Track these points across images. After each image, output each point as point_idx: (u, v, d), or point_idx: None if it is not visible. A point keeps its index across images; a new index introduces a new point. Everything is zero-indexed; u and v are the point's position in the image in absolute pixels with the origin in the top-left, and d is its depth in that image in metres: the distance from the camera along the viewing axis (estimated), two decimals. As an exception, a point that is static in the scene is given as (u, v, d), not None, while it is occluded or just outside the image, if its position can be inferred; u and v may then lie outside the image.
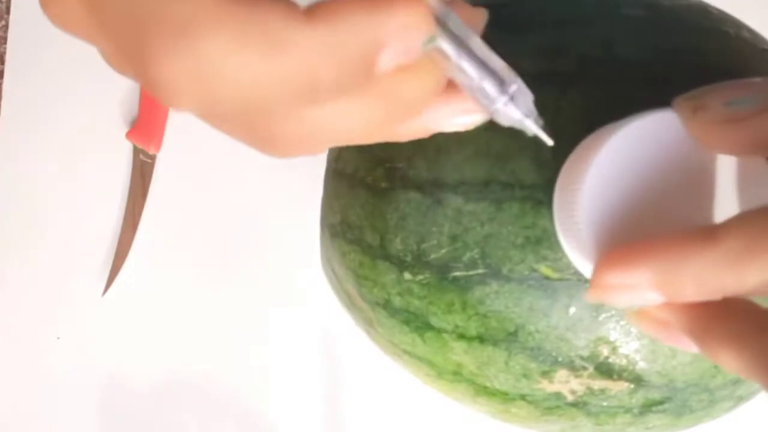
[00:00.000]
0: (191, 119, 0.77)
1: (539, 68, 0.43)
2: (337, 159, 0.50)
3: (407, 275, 0.45)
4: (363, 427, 0.72)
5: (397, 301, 0.46)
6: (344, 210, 0.49)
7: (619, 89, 0.42)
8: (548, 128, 0.34)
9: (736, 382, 0.45)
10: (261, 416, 0.73)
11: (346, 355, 0.72)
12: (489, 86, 0.31)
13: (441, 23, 0.30)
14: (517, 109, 0.32)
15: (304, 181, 0.72)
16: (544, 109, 0.41)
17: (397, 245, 0.45)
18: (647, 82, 0.43)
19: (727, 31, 0.47)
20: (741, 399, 0.48)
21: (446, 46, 0.31)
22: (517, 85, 0.32)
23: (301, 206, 0.73)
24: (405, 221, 0.44)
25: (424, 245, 0.44)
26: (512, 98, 0.32)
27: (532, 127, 0.33)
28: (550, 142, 0.34)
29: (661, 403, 0.45)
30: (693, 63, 0.44)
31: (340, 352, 0.72)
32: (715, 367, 0.44)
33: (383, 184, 0.46)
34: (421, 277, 0.45)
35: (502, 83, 0.31)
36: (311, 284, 0.73)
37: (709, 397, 0.46)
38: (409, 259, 0.45)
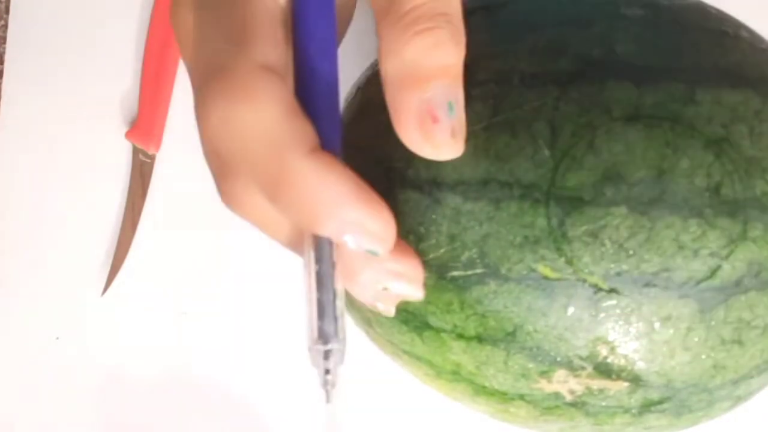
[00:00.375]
0: (191, 119, 0.77)
1: (538, 68, 0.43)
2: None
3: (406, 275, 0.45)
4: (362, 427, 0.72)
5: (395, 300, 0.46)
6: (343, 210, 0.49)
7: (619, 89, 0.42)
8: (331, 394, 0.36)
9: (736, 382, 0.46)
10: (261, 416, 0.73)
11: (345, 355, 0.72)
12: (320, 333, 0.33)
13: (328, 270, 0.33)
14: (322, 362, 0.34)
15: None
16: (544, 109, 0.41)
17: (395, 245, 0.45)
18: (647, 82, 0.43)
19: (726, 31, 0.47)
20: (740, 399, 0.48)
21: (313, 278, 0.33)
22: (339, 349, 0.33)
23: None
24: (403, 221, 0.44)
25: (422, 245, 0.44)
26: (328, 354, 0.33)
27: (322, 384, 0.34)
28: (327, 401, 0.37)
29: (659, 403, 0.45)
30: (693, 63, 0.44)
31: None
32: (714, 367, 0.44)
33: (382, 184, 0.46)
34: (419, 276, 0.45)
35: (330, 338, 0.33)
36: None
37: (708, 397, 0.46)
38: (407, 258, 0.45)
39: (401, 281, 0.35)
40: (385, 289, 0.36)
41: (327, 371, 0.33)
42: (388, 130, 0.41)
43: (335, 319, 0.33)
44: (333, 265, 0.33)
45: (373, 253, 0.33)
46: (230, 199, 0.35)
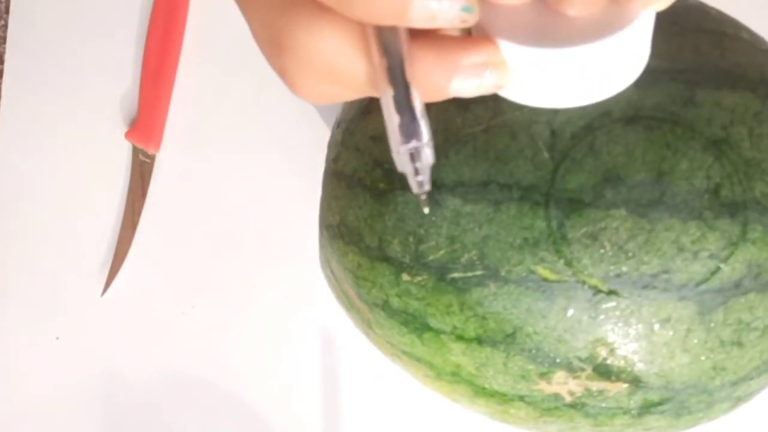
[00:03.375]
0: (191, 119, 0.77)
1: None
2: (336, 160, 0.50)
3: (405, 276, 0.45)
4: (362, 428, 0.72)
5: (395, 302, 0.46)
6: (343, 211, 0.49)
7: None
8: (429, 198, 0.36)
9: (735, 384, 0.46)
10: (261, 416, 0.73)
11: (345, 356, 0.72)
12: (403, 130, 0.32)
13: (397, 61, 0.32)
14: (411, 163, 0.33)
15: (304, 181, 0.72)
16: (544, 111, 0.41)
17: (395, 246, 0.45)
18: (647, 83, 0.43)
19: (726, 32, 0.47)
20: (739, 400, 0.48)
21: (384, 65, 0.32)
22: (425, 145, 0.33)
23: (300, 206, 0.73)
24: (403, 222, 0.44)
25: (422, 246, 0.44)
26: (416, 153, 0.33)
27: (415, 187, 0.34)
28: (426, 210, 0.35)
29: (659, 404, 0.45)
30: (692, 64, 0.44)
31: (338, 352, 0.72)
32: (714, 368, 0.44)
33: (382, 185, 0.46)
34: (419, 278, 0.45)
35: (414, 135, 0.32)
36: (310, 284, 0.73)
37: (708, 398, 0.46)
38: (407, 260, 0.45)
39: (488, 69, 0.34)
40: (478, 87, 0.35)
41: (417, 172, 0.33)
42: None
43: (414, 118, 0.32)
44: (402, 59, 0.32)
45: (467, 11, 0.32)
46: (297, 49, 0.33)
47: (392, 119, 0.32)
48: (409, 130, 0.32)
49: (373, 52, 0.33)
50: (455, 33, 0.34)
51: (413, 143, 0.32)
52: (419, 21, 0.31)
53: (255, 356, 0.73)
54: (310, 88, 0.36)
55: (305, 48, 0.33)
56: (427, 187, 0.33)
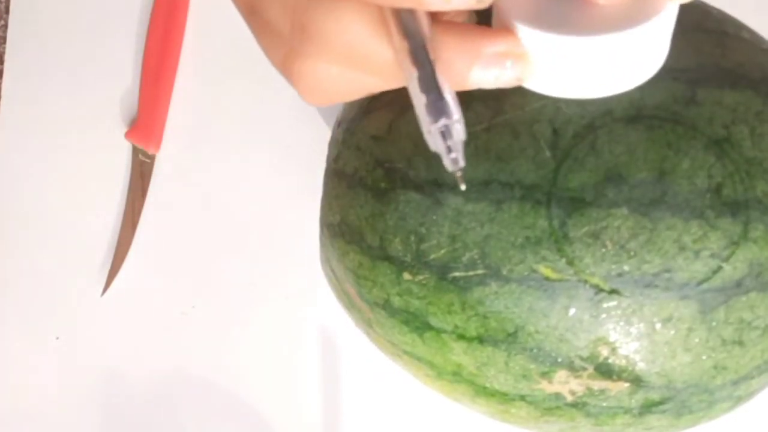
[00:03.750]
0: (191, 119, 0.77)
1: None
2: (336, 159, 0.50)
3: (406, 275, 0.45)
4: (362, 428, 0.72)
5: (396, 301, 0.46)
6: (344, 210, 0.49)
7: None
8: (464, 176, 0.36)
9: (736, 383, 0.46)
10: (260, 416, 0.73)
11: (345, 355, 0.72)
12: (431, 109, 0.32)
13: (419, 42, 0.32)
14: (443, 141, 0.33)
15: (305, 181, 0.72)
16: (546, 110, 0.41)
17: (396, 245, 0.45)
18: (649, 82, 0.42)
19: (726, 32, 0.47)
20: (740, 399, 0.48)
21: (406, 46, 0.32)
22: (455, 122, 0.32)
23: (301, 206, 0.73)
24: (404, 221, 0.44)
25: (423, 245, 0.44)
26: (447, 131, 0.33)
27: (449, 165, 0.33)
28: (463, 186, 0.37)
29: (660, 403, 0.45)
30: (694, 64, 0.44)
31: (339, 351, 0.72)
32: (715, 368, 0.44)
33: (383, 185, 0.46)
34: (420, 277, 0.45)
35: (443, 112, 0.32)
36: (310, 284, 0.73)
37: (709, 397, 0.46)
38: (408, 259, 0.45)
39: (509, 60, 0.34)
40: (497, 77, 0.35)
41: (449, 150, 0.33)
42: (390, 129, 0.41)
43: (441, 96, 0.32)
44: (424, 40, 0.32)
45: None
46: (324, 39, 0.34)
47: (420, 100, 0.32)
48: (438, 109, 0.32)
49: (394, 36, 0.33)
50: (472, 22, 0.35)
51: (443, 121, 0.32)
52: (435, 3, 0.31)
53: (255, 356, 0.73)
54: (322, 81, 0.36)
55: (330, 33, 0.34)
56: (462, 163, 0.33)
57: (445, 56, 0.33)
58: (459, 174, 0.34)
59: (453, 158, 0.33)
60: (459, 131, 0.33)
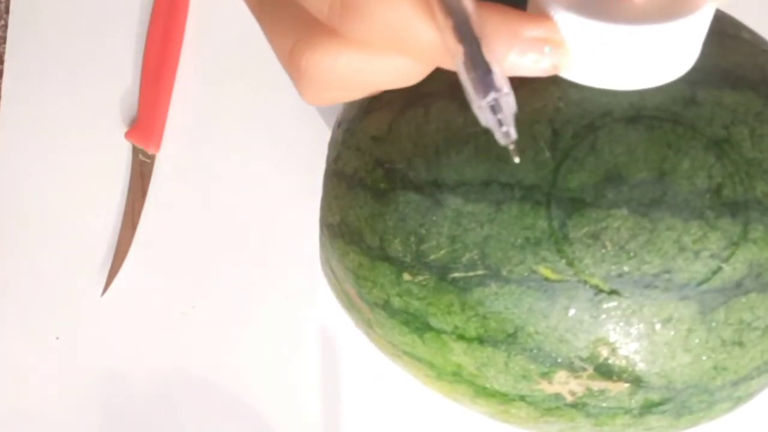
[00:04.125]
0: (191, 119, 0.77)
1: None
2: (336, 159, 0.50)
3: (406, 276, 0.45)
4: (362, 428, 0.72)
5: (396, 302, 0.46)
6: (343, 211, 0.49)
7: (620, 90, 0.42)
8: (517, 148, 0.36)
9: (736, 383, 0.46)
10: (260, 417, 0.73)
11: (345, 356, 0.72)
12: (479, 85, 0.32)
13: (463, 19, 0.32)
14: (493, 116, 0.33)
15: (304, 181, 0.72)
16: (545, 110, 0.41)
17: (396, 246, 0.45)
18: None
19: (726, 32, 0.47)
20: (740, 400, 0.48)
21: (450, 23, 0.32)
22: (505, 96, 0.33)
23: (300, 206, 0.73)
24: (404, 222, 0.44)
25: (423, 246, 0.44)
26: (497, 105, 0.33)
27: (501, 138, 0.34)
28: (516, 159, 0.37)
29: (660, 404, 0.45)
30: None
31: (339, 352, 0.72)
32: (715, 368, 0.44)
33: (382, 185, 0.46)
34: (420, 278, 0.45)
35: (491, 87, 0.32)
36: (310, 284, 0.73)
37: (709, 398, 0.46)
38: (408, 260, 0.45)
39: (547, 46, 0.35)
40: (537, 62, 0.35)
41: (500, 123, 0.33)
42: (390, 130, 0.41)
43: (489, 70, 0.32)
44: (467, 17, 0.32)
45: None
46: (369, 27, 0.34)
47: (467, 77, 0.32)
48: (486, 83, 0.32)
49: (437, 14, 0.33)
50: None
51: (492, 95, 0.32)
52: None
53: (255, 356, 0.73)
54: (326, 74, 0.36)
55: (374, 12, 0.33)
56: (514, 136, 0.33)
57: (485, 37, 0.33)
58: (512, 147, 0.34)
59: (504, 132, 0.33)
60: (509, 104, 0.33)
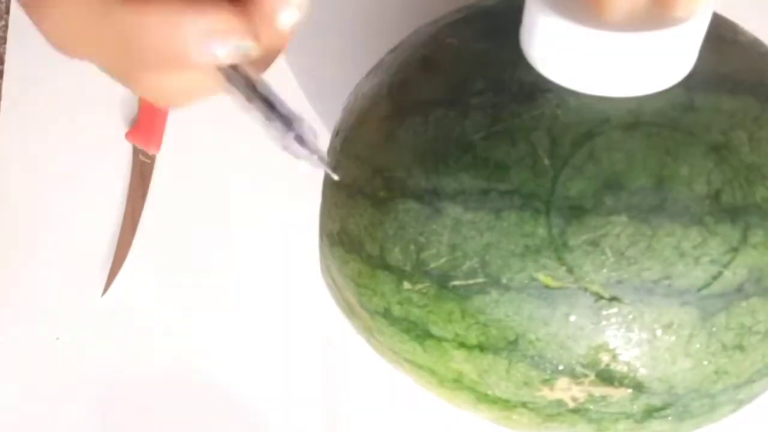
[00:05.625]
0: (191, 119, 0.76)
1: (537, 77, 0.43)
2: (335, 168, 0.50)
3: (407, 284, 0.45)
4: (362, 428, 0.72)
5: (396, 310, 0.46)
6: (343, 219, 0.49)
7: (618, 97, 0.42)
8: (332, 165, 0.37)
9: (737, 387, 0.46)
10: (260, 418, 0.73)
11: (346, 361, 0.72)
12: (277, 126, 0.34)
13: (233, 69, 0.34)
14: (303, 148, 0.34)
15: (305, 182, 0.72)
16: (543, 118, 0.41)
17: (396, 254, 0.45)
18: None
19: (723, 36, 0.47)
20: (741, 403, 0.48)
21: (238, 90, 0.34)
22: (302, 126, 0.34)
23: (301, 207, 0.73)
24: (404, 230, 0.44)
25: (423, 254, 0.44)
26: (300, 137, 0.34)
27: (320, 163, 0.35)
28: (336, 177, 0.39)
29: (662, 409, 0.45)
30: (691, 69, 0.44)
31: (340, 357, 0.72)
32: (716, 373, 0.44)
33: (382, 194, 0.46)
34: (420, 286, 0.45)
35: (289, 124, 0.34)
36: (311, 285, 0.73)
37: (710, 402, 0.46)
38: (408, 268, 0.45)
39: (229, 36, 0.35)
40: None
41: (312, 151, 0.35)
42: (388, 139, 0.41)
43: (281, 115, 0.34)
44: (246, 82, 0.34)
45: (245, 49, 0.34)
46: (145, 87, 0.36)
47: (265, 127, 0.34)
48: (284, 125, 0.34)
49: (224, 87, 0.35)
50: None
51: (293, 131, 0.34)
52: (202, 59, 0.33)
53: (255, 356, 0.74)
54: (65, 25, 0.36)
55: (163, 83, 0.36)
56: (326, 157, 0.35)
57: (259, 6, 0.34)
58: (330, 168, 0.36)
59: (321, 156, 0.35)
60: (309, 131, 0.34)
